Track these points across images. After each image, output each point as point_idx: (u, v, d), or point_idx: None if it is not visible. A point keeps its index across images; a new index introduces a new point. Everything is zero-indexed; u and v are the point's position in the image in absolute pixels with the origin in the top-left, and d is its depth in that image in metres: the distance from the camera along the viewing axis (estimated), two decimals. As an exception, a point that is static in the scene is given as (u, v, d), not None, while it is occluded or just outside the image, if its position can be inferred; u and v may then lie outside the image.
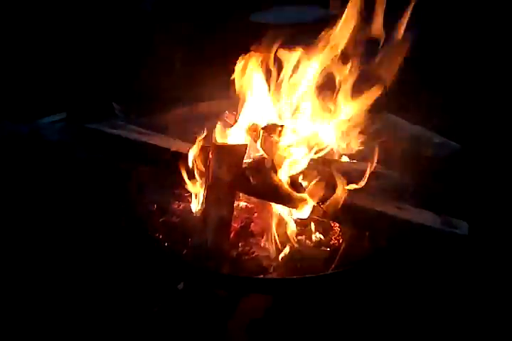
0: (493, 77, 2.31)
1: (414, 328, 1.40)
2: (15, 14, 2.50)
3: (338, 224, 1.55)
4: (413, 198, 1.47)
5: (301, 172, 1.40)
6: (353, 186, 1.39)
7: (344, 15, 1.43)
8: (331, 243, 1.52)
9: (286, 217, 1.48)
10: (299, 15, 2.49)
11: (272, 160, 1.38)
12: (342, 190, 1.35)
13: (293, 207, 1.42)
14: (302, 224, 1.51)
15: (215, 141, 1.40)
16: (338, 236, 1.54)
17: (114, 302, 1.42)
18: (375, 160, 1.40)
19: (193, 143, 1.43)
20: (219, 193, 1.38)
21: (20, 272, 1.51)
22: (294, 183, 1.38)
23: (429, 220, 1.38)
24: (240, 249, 1.48)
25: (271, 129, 1.40)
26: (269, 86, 1.52)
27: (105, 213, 1.63)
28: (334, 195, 1.34)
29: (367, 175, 1.39)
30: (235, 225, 1.52)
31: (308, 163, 1.40)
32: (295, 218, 1.47)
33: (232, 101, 1.58)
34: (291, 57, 1.50)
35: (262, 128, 1.40)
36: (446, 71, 2.28)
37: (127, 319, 1.38)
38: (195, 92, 1.87)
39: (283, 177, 1.38)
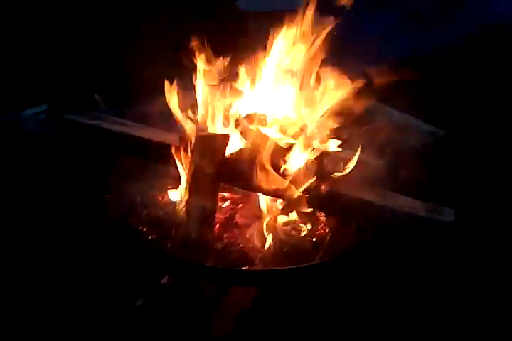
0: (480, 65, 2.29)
1: (402, 316, 1.39)
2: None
3: (323, 214, 1.54)
4: (399, 186, 1.46)
5: (285, 162, 1.37)
6: (338, 174, 1.37)
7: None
8: (317, 233, 1.50)
9: (272, 207, 1.46)
10: (287, 2, 2.44)
11: (256, 150, 1.35)
12: (327, 179, 1.33)
13: (278, 197, 1.40)
14: (287, 214, 1.48)
15: (197, 130, 1.37)
16: (324, 225, 1.53)
17: (97, 296, 1.40)
18: (360, 149, 1.38)
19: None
20: (202, 184, 1.35)
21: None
22: (279, 173, 1.36)
23: (415, 208, 1.37)
24: (225, 240, 1.46)
25: (253, 118, 1.37)
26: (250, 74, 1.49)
27: (87, 205, 1.60)
28: (319, 184, 1.33)
29: (352, 163, 1.37)
30: (220, 216, 1.50)
31: (293, 152, 1.37)
32: (280, 208, 1.45)
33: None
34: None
35: (244, 117, 1.37)
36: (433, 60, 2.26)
37: (110, 313, 1.36)
38: (179, 82, 1.83)
39: (267, 166, 1.35)
